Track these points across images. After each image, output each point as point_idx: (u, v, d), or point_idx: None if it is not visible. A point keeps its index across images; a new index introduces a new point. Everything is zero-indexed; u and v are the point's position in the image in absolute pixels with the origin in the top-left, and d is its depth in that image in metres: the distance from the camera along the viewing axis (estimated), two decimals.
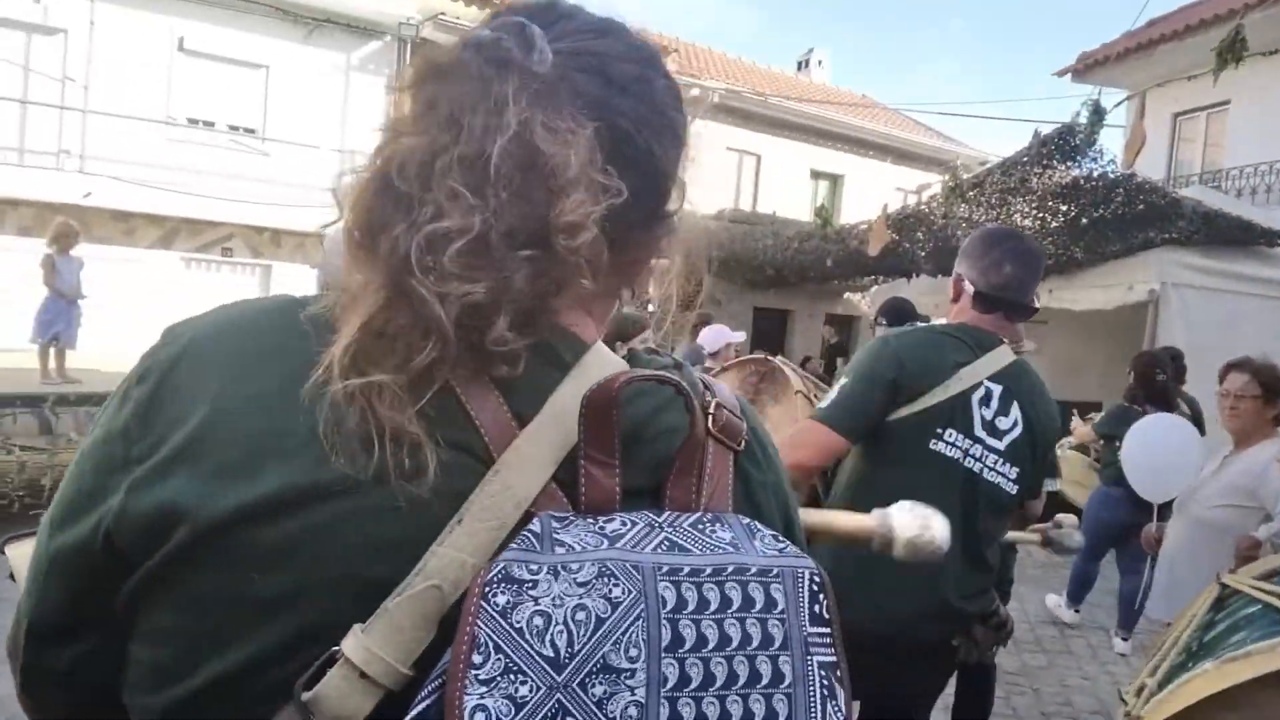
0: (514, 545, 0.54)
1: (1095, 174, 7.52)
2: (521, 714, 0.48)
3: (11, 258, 11.49)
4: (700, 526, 0.59)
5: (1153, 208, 7.46)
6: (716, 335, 5.68)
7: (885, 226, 8.86)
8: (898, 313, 5.97)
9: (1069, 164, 7.54)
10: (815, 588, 0.58)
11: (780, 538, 0.61)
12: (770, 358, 3.28)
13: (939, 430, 1.95)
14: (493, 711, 0.48)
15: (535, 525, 0.56)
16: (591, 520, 0.57)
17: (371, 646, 0.54)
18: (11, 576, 0.82)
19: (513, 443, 0.59)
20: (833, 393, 2.03)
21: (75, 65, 12.27)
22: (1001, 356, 2.00)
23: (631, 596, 0.52)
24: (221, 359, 0.62)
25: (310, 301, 0.64)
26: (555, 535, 0.55)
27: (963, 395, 1.95)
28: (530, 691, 0.49)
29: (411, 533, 0.57)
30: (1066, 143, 7.40)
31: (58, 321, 7.55)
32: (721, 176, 17.75)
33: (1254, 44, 5.50)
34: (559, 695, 0.49)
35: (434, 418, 0.58)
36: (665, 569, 0.54)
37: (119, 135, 12.48)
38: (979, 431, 1.95)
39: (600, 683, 0.50)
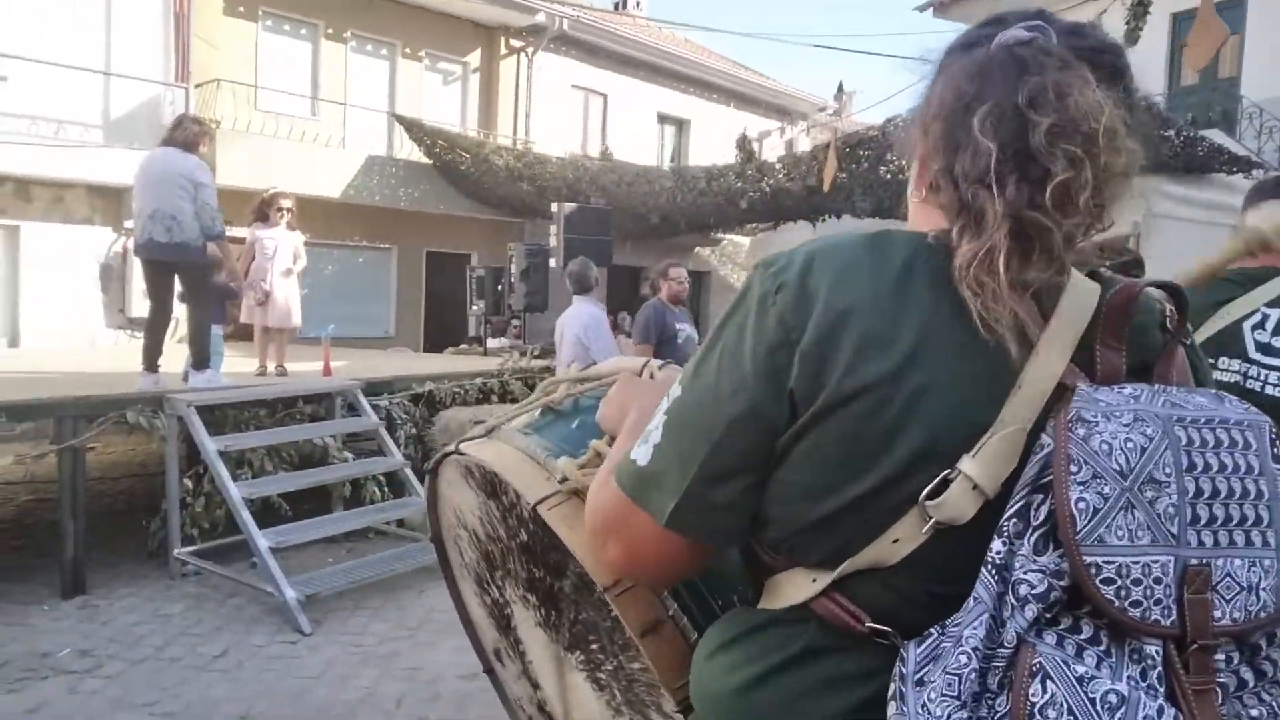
0: (1075, 399, 0.80)
1: None
2: (1107, 504, 0.75)
3: None
4: (1184, 393, 0.85)
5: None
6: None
7: (837, 156, 7.63)
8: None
9: None
10: (1274, 435, 0.84)
11: (1243, 401, 0.86)
12: None
13: (1210, 362, 1.95)
14: (1089, 501, 0.74)
15: (1082, 388, 0.82)
16: (1110, 388, 0.83)
17: (981, 467, 0.80)
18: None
19: (1044, 332, 0.85)
20: None
21: None
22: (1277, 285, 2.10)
23: (1159, 435, 0.78)
24: (834, 271, 0.88)
25: (895, 235, 0.91)
26: (1094, 395, 0.81)
27: (1233, 327, 2.06)
28: (1110, 491, 0.75)
29: (985, 392, 0.83)
30: None
31: None
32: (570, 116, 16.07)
33: None
34: (1127, 495, 0.75)
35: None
36: (1174, 418, 0.80)
37: None
38: (1254, 354, 2.06)
39: (1149, 489, 0.76)
